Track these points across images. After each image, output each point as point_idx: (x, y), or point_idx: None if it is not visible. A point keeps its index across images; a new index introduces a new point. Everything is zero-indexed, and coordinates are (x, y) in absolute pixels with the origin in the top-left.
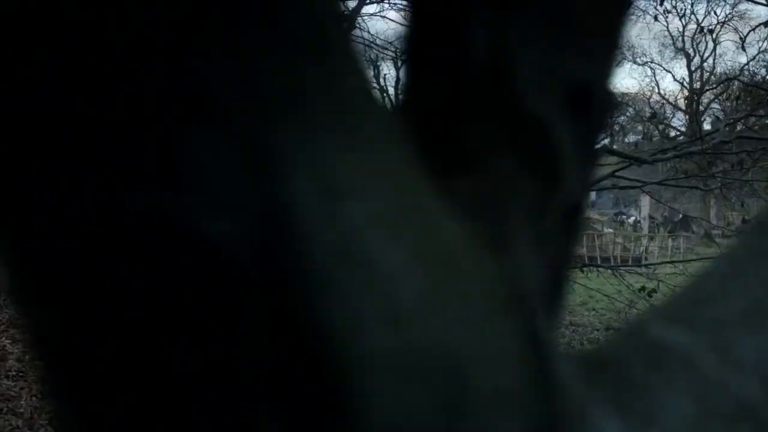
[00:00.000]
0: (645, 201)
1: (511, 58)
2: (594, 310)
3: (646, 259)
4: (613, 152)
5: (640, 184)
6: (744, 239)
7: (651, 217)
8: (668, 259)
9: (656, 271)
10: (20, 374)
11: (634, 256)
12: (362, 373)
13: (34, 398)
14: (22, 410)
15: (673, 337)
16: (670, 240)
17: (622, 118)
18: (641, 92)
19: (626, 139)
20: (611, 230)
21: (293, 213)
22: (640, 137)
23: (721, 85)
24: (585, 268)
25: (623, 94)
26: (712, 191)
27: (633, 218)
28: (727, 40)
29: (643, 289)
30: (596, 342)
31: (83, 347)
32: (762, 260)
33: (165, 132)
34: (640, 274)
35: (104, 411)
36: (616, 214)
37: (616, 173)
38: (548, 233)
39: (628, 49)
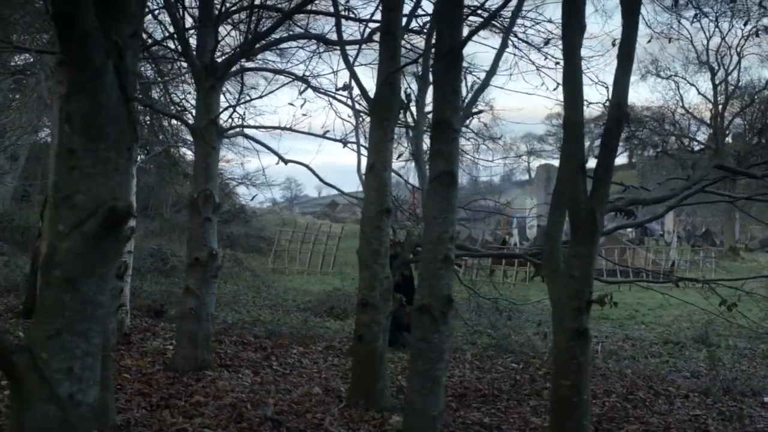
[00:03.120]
0: (669, 215)
1: None
2: (643, 324)
3: (673, 272)
4: (721, 167)
5: (730, 199)
6: None
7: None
8: (699, 272)
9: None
10: (118, 387)
11: (662, 270)
12: None
13: (144, 410)
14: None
15: None
16: (701, 252)
17: (644, 131)
18: (666, 106)
19: (646, 153)
20: (637, 245)
21: None
22: (659, 150)
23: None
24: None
25: (645, 108)
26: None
27: (658, 232)
28: (752, 54)
29: (724, 302)
30: (659, 355)
31: None
32: None
33: None
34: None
35: None
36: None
37: (706, 188)
38: None
39: (653, 63)
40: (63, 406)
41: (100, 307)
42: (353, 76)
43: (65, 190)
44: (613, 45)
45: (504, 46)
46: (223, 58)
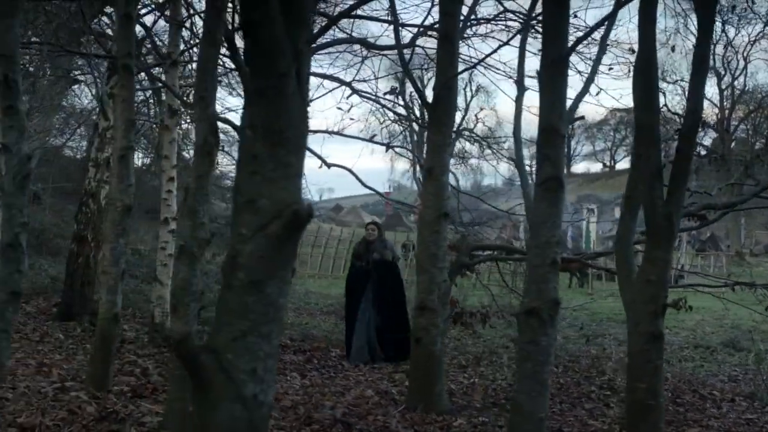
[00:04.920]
0: None
1: None
2: (667, 328)
3: (681, 277)
4: None
5: None
6: None
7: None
8: (708, 276)
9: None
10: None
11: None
12: None
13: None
14: None
15: None
16: (711, 258)
17: None
18: (672, 110)
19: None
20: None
21: None
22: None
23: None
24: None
25: None
26: None
27: None
28: (758, 59)
29: None
30: (692, 359)
31: None
32: None
33: None
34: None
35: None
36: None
37: (760, 194)
38: None
39: (658, 68)
40: (248, 407)
41: (280, 309)
42: (410, 79)
43: (248, 195)
44: (672, 50)
45: (602, 52)
46: None
